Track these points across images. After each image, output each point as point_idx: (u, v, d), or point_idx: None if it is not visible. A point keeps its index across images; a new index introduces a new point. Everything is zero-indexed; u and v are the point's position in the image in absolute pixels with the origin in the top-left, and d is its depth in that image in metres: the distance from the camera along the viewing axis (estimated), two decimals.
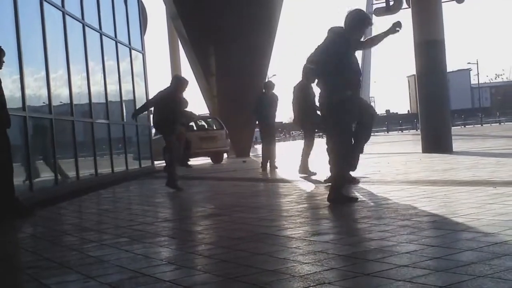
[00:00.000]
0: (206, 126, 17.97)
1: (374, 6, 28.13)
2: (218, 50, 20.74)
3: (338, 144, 5.08)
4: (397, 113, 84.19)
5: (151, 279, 2.71)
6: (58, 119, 8.98)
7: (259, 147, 17.32)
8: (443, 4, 12.36)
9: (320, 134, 10.52)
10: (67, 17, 9.68)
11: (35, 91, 8.48)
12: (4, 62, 5.90)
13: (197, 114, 15.80)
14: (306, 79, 8.18)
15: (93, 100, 10.80)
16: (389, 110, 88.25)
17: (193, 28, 20.86)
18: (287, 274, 2.56)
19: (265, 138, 10.77)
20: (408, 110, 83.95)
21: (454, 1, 21.08)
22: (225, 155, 18.38)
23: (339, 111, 4.96)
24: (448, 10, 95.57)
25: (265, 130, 10.77)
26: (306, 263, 2.78)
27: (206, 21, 20.07)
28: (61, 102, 9.53)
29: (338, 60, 5.05)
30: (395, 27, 5.21)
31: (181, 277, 2.70)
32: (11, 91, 7.31)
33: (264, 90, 10.86)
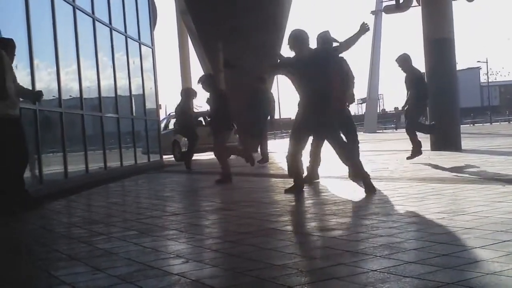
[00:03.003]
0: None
1: (384, 4, 28.04)
2: (227, 46, 20.74)
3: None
4: None
5: (160, 272, 2.73)
6: (67, 112, 9.02)
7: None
8: (453, 2, 12.29)
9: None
10: (77, 11, 9.71)
11: (45, 84, 8.52)
12: (15, 55, 5.93)
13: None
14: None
15: (103, 94, 10.84)
16: (397, 108, 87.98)
17: (203, 23, 20.87)
18: (294, 269, 2.57)
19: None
20: None
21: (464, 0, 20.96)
22: None
23: None
24: (458, 8, 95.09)
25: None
26: (313, 258, 2.79)
27: (215, 16, 20.08)
28: (70, 96, 9.58)
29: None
30: (364, 27, 5.60)
31: (189, 271, 2.71)
32: (22, 84, 7.34)
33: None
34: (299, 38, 5.70)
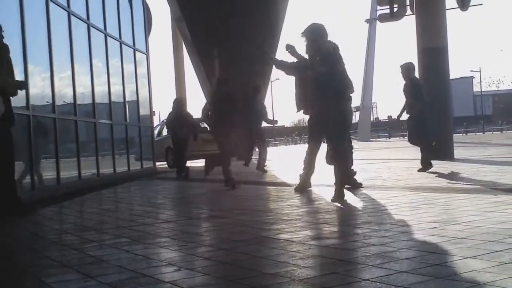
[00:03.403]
0: (208, 128, 17.98)
1: (378, 12, 28.15)
2: (221, 53, 20.78)
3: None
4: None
5: (151, 279, 2.72)
6: (61, 118, 9.00)
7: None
8: (446, 11, 12.36)
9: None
10: (72, 17, 9.71)
11: (39, 90, 8.51)
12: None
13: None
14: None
15: (97, 100, 10.83)
16: (391, 116, 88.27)
17: (197, 30, 20.93)
18: (286, 278, 2.56)
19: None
20: None
21: (458, 8, 21.06)
22: None
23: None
24: (452, 17, 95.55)
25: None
26: (306, 267, 2.79)
27: (210, 23, 20.13)
28: (64, 101, 9.56)
29: None
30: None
31: (181, 279, 2.70)
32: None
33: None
34: (317, 32, 5.74)
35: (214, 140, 8.67)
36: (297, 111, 6.96)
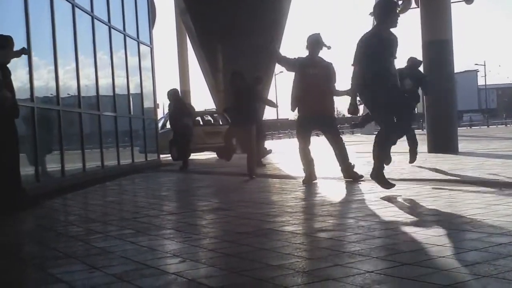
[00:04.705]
0: (212, 121, 18.03)
1: None
2: (225, 47, 20.74)
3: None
4: None
5: (156, 271, 2.73)
6: (65, 110, 9.02)
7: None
8: (452, 4, 12.31)
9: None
10: (76, 9, 9.70)
11: (44, 82, 8.52)
12: None
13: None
14: None
15: (101, 93, 10.84)
16: None
17: (202, 23, 20.88)
18: (291, 270, 2.57)
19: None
20: None
21: (463, 2, 20.96)
22: None
23: None
24: (457, 11, 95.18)
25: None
26: (310, 259, 2.79)
27: (214, 17, 20.08)
28: (68, 94, 9.58)
29: None
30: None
31: (186, 270, 2.71)
32: (20, 82, 7.35)
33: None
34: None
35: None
36: (292, 110, 6.98)
